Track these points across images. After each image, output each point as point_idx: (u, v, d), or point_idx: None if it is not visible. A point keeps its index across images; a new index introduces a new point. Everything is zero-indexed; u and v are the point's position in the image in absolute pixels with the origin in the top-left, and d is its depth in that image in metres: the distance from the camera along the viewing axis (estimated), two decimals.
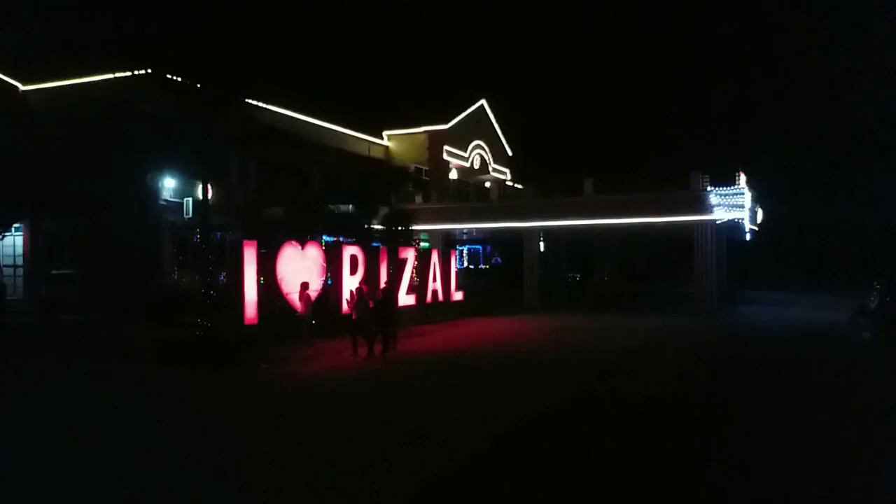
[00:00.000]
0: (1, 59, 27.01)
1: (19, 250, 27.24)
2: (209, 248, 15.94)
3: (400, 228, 26.71)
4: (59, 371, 13.95)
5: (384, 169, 38.05)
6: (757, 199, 32.42)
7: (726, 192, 28.48)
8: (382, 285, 19.63)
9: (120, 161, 22.89)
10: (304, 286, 17.84)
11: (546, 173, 45.33)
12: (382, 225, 27.20)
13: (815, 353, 16.92)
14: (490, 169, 45.39)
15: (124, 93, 20.73)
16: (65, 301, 23.11)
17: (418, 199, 35.55)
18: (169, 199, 24.88)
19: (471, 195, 43.50)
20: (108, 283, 22.98)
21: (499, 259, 43.49)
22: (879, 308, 17.89)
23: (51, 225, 26.37)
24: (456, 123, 41.16)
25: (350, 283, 19.41)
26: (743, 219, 29.23)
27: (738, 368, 14.70)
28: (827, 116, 73.58)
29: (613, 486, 7.11)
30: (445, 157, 40.48)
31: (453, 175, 41.87)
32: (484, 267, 43.65)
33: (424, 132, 40.02)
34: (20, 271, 27.10)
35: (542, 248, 34.36)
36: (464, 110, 42.32)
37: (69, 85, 26.13)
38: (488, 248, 44.78)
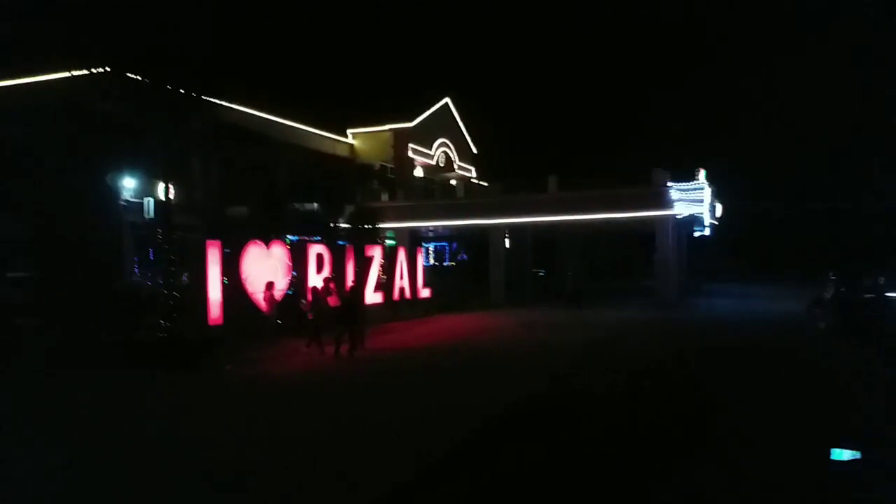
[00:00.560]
0: None
1: None
2: (172, 248, 15.76)
3: (366, 226, 26.70)
4: (13, 376, 13.67)
5: (350, 167, 37.92)
6: (716, 195, 33.15)
7: (686, 187, 29.11)
8: (349, 283, 19.65)
9: (78, 161, 22.43)
10: (269, 286, 17.74)
11: (511, 171, 45.64)
12: (348, 223, 27.17)
13: (774, 342, 17.40)
14: (455, 167, 45.52)
15: (83, 91, 20.30)
16: (21, 305, 22.54)
17: (384, 197, 35.54)
18: (130, 199, 24.46)
19: (436, 193, 43.56)
20: (66, 285, 22.47)
21: (465, 256, 43.69)
22: (834, 299, 18.48)
23: (5, 226, 25.68)
24: (421, 121, 41.18)
25: (317, 282, 19.39)
26: (702, 213, 29.92)
27: (703, 359, 15.02)
28: (784, 112, 75.51)
29: (578, 483, 7.26)
30: (411, 154, 40.48)
31: (419, 173, 41.91)
32: (450, 264, 43.81)
33: (389, 130, 39.96)
34: None
35: (507, 245, 34.60)
36: (429, 108, 42.36)
37: (25, 83, 25.46)
38: (454, 245, 44.94)
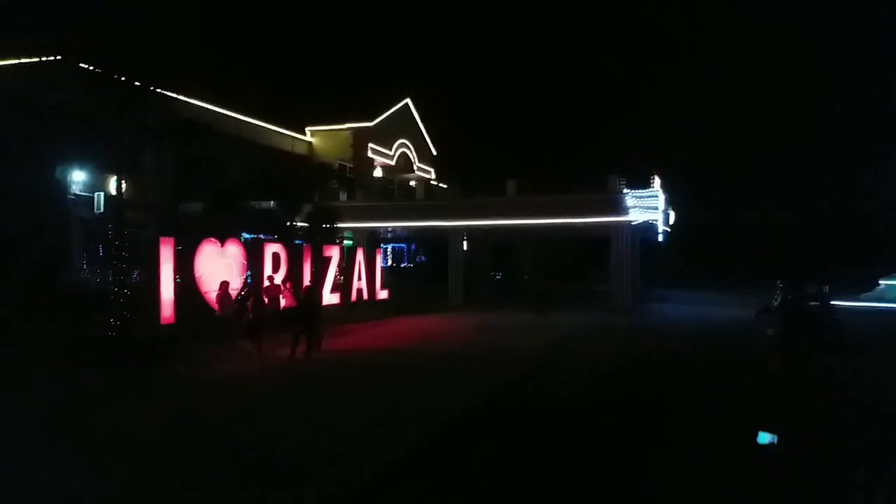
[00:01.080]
0: None
1: None
2: (123, 245, 15.33)
3: (324, 226, 26.39)
4: None
5: (308, 165, 37.48)
6: (669, 202, 33.82)
7: (641, 194, 29.62)
8: (306, 284, 19.41)
9: (23, 152, 21.62)
10: (224, 285, 17.35)
11: (470, 173, 45.79)
12: (306, 222, 26.80)
13: (724, 348, 17.82)
14: (415, 168, 45.45)
15: (30, 79, 19.61)
16: None
17: (343, 196, 35.20)
18: (79, 192, 23.70)
19: (396, 193, 43.43)
20: (7, 281, 21.64)
21: (423, 257, 43.65)
22: (782, 306, 18.97)
23: None
24: (381, 121, 40.99)
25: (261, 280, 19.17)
26: (656, 220, 30.49)
27: (653, 364, 15.32)
28: (737, 121, 77.53)
29: (530, 482, 7.29)
30: (370, 154, 40.26)
31: (378, 173, 41.71)
32: (409, 265, 43.72)
33: (349, 129, 39.68)
34: None
35: (466, 247, 34.67)
36: (389, 108, 42.21)
37: None
38: (413, 246, 44.88)
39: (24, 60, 16.14)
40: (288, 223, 26.10)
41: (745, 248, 53.65)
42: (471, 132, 74.02)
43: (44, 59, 14.70)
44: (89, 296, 20.17)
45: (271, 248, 19.89)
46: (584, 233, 33.24)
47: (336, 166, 39.35)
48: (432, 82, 78.98)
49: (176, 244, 16.67)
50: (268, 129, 36.02)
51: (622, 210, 29.16)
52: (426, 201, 36.69)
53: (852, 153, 55.98)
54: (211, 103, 30.79)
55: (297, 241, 23.30)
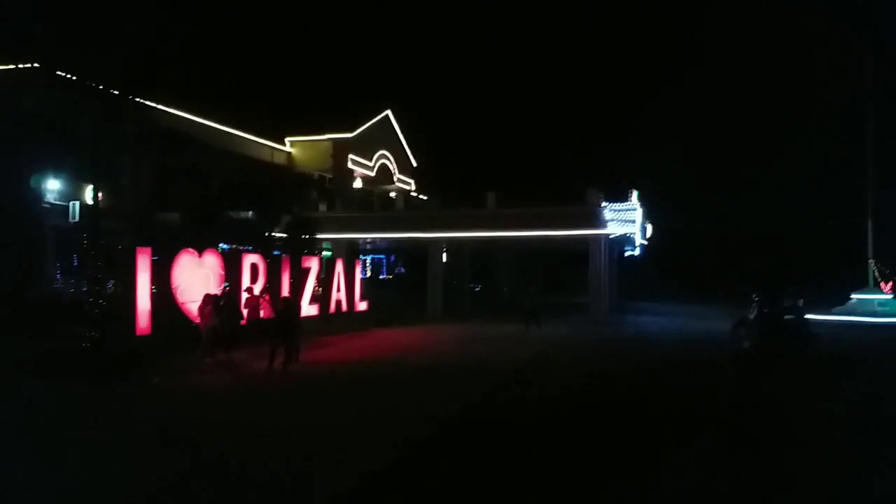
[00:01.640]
0: None
1: None
2: (99, 254, 15.13)
3: (303, 237, 26.28)
4: None
5: (287, 176, 37.36)
6: (647, 215, 34.19)
7: (619, 207, 29.91)
8: (284, 295, 19.30)
9: None
10: (207, 299, 17.06)
11: (451, 185, 45.97)
12: (285, 233, 26.68)
13: (701, 359, 17.99)
14: (395, 179, 45.47)
15: (6, 85, 19.35)
16: None
17: (322, 207, 35.10)
18: (54, 201, 23.36)
19: (376, 205, 43.42)
20: None
21: (403, 269, 43.59)
22: (757, 320, 19.24)
23: None
24: (361, 132, 41.02)
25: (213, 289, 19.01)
26: (634, 233, 30.79)
27: (630, 375, 15.41)
28: (717, 135, 78.58)
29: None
30: (350, 165, 40.23)
31: (358, 184, 41.68)
32: (388, 277, 43.63)
33: (329, 140, 39.65)
34: None
35: (445, 259, 34.71)
36: (369, 119, 42.27)
37: None
38: (392, 257, 44.82)
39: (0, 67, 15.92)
40: (267, 234, 25.96)
41: (723, 262, 54.31)
42: (451, 144, 74.33)
43: (20, 66, 14.50)
44: (63, 306, 19.88)
45: (249, 259, 19.75)
46: (563, 245, 33.45)
47: (316, 177, 39.30)
48: (413, 94, 79.21)
49: (153, 254, 16.49)
50: (247, 139, 35.88)
51: (600, 223, 29.41)
52: (406, 213, 36.71)
53: (832, 170, 57.05)
54: (190, 113, 30.63)
55: (275, 252, 23.16)
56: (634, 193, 30.47)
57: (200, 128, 31.41)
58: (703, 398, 12.37)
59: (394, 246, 39.97)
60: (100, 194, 15.75)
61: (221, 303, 16.91)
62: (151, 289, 16.32)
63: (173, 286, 17.04)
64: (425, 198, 45.92)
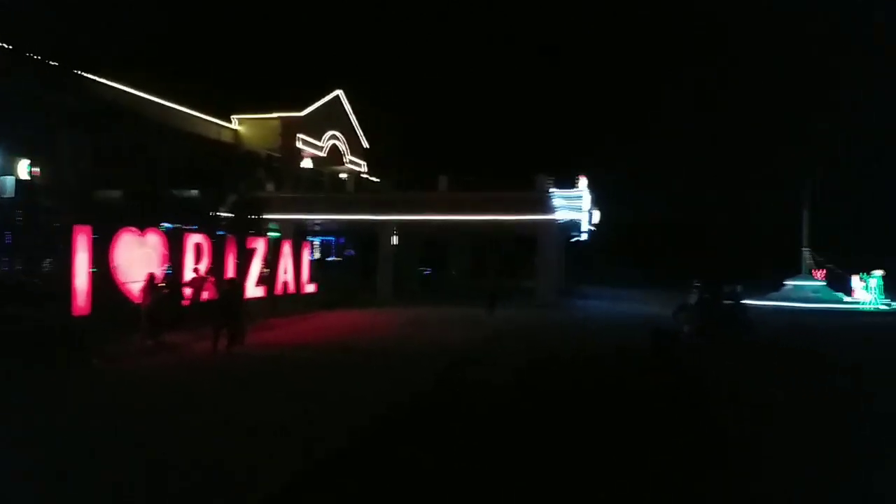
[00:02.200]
0: None
1: None
2: (35, 232, 14.59)
3: (250, 217, 25.85)
4: None
5: (234, 154, 36.56)
6: (594, 201, 34.76)
7: (568, 193, 30.41)
8: (229, 276, 18.98)
9: None
10: (150, 278, 16.66)
11: (402, 168, 45.68)
12: (231, 213, 26.19)
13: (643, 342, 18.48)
14: (346, 160, 45.02)
15: None
16: None
17: (270, 187, 34.50)
18: None
19: (325, 186, 42.90)
20: None
21: (352, 251, 43.31)
22: (698, 305, 19.89)
23: None
24: (311, 112, 40.42)
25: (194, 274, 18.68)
26: (581, 219, 31.32)
27: (573, 359, 15.72)
28: (661, 124, 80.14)
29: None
30: (300, 145, 39.64)
31: (307, 164, 41.10)
32: (337, 259, 43.28)
33: (278, 118, 38.96)
34: None
35: (395, 242, 34.62)
36: (320, 99, 41.68)
37: None
38: (341, 239, 44.43)
39: None
40: (212, 213, 25.45)
41: (667, 249, 55.71)
42: (404, 127, 73.78)
43: None
44: None
45: (193, 239, 19.32)
46: (513, 229, 33.77)
47: (264, 156, 38.53)
48: (366, 76, 78.36)
49: (92, 233, 15.97)
50: (193, 115, 34.95)
51: (549, 209, 29.80)
52: (356, 194, 36.48)
53: (773, 163, 58.93)
54: (133, 87, 29.63)
55: (221, 232, 22.71)
56: (583, 180, 30.94)
57: (144, 103, 30.42)
58: (634, 378, 12.76)
59: (343, 228, 39.61)
60: (36, 169, 15.16)
61: (163, 283, 16.57)
62: (90, 268, 15.82)
63: (113, 266, 16.55)
64: (376, 180, 45.63)
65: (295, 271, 24.35)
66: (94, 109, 21.17)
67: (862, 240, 46.50)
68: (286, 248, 24.10)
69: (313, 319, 22.32)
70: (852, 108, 50.79)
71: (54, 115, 16.36)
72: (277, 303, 23.00)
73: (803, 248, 35.53)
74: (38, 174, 15.41)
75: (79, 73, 15.09)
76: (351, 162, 45.48)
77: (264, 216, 27.50)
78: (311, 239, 35.35)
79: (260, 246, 22.34)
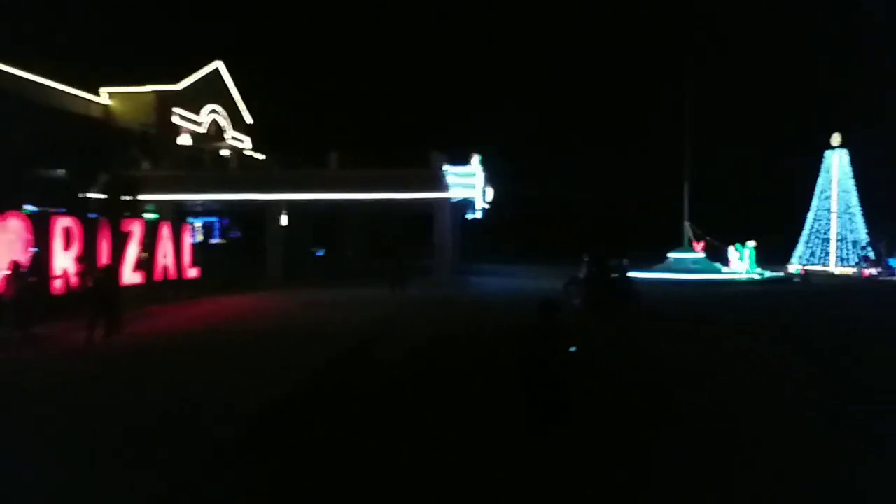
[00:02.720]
0: None
1: None
2: None
3: (124, 198, 24.04)
4: None
5: (104, 130, 33.93)
6: (487, 179, 35.04)
7: (461, 171, 30.44)
8: (103, 262, 17.59)
9: None
10: (14, 265, 15.04)
11: (290, 145, 44.16)
12: (103, 193, 24.26)
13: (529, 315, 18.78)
14: (228, 136, 42.95)
15: None
16: None
17: (145, 165, 32.27)
18: None
19: (206, 163, 40.65)
20: None
21: (238, 233, 41.51)
22: (587, 278, 20.46)
23: None
24: (189, 85, 38.18)
25: (63, 260, 17.16)
26: (475, 197, 31.49)
27: (468, 334, 15.71)
28: (552, 104, 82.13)
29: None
30: (177, 120, 37.38)
31: (186, 140, 38.79)
32: (221, 241, 41.31)
33: (152, 92, 36.50)
34: None
35: (285, 222, 33.41)
36: (197, 71, 39.42)
37: None
38: (225, 220, 42.41)
39: None
40: (81, 194, 23.47)
41: (558, 225, 57.40)
42: (291, 102, 71.40)
43: None
44: None
45: (62, 223, 17.69)
46: (408, 208, 33.47)
47: (138, 132, 35.98)
48: (248, 48, 74.70)
49: None
50: (57, 89, 32.02)
51: (443, 186, 29.70)
52: (241, 172, 34.89)
53: (657, 139, 61.70)
54: None
55: (92, 215, 20.96)
56: (475, 157, 31.04)
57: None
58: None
59: (227, 208, 37.70)
60: None
61: (26, 270, 15.08)
62: None
63: None
64: (262, 157, 43.88)
65: (175, 255, 22.93)
66: None
67: (741, 214, 50.08)
68: (165, 231, 22.61)
69: (197, 306, 21.09)
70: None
71: None
72: (158, 289, 21.58)
73: (685, 222, 37.47)
74: None
75: None
76: (234, 138, 43.44)
77: (140, 197, 25.67)
78: (192, 220, 33.48)
79: (136, 229, 20.85)
